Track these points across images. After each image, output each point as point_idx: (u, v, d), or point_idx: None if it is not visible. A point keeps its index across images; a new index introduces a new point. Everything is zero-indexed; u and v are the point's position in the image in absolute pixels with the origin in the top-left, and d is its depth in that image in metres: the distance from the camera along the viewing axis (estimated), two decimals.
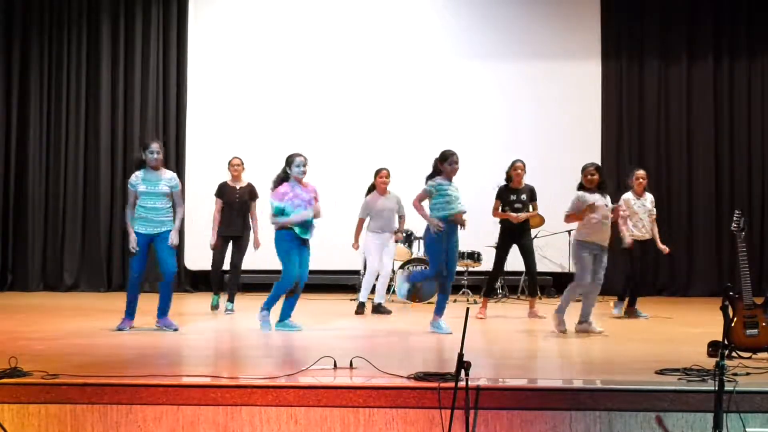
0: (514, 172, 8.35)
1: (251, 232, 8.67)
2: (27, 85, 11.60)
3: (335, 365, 4.99)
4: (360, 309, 8.55)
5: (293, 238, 7.02)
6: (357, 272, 10.16)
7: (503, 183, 8.42)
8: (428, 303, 9.53)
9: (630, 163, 10.67)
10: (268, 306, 7.13)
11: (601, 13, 11.42)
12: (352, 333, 7.12)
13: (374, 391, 4.45)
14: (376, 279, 8.64)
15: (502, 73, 11.45)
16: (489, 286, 8.59)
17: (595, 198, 7.09)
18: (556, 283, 10.77)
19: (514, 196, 8.34)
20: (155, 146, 6.97)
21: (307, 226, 7.05)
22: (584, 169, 7.23)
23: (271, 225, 7.10)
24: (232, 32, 11.59)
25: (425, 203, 7.16)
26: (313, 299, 9.71)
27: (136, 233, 6.95)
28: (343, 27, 11.53)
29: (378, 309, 8.53)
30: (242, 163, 8.75)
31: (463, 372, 4.09)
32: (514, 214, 8.17)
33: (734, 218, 5.79)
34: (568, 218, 7.22)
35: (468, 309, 4.51)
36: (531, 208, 8.41)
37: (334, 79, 11.51)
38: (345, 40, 11.53)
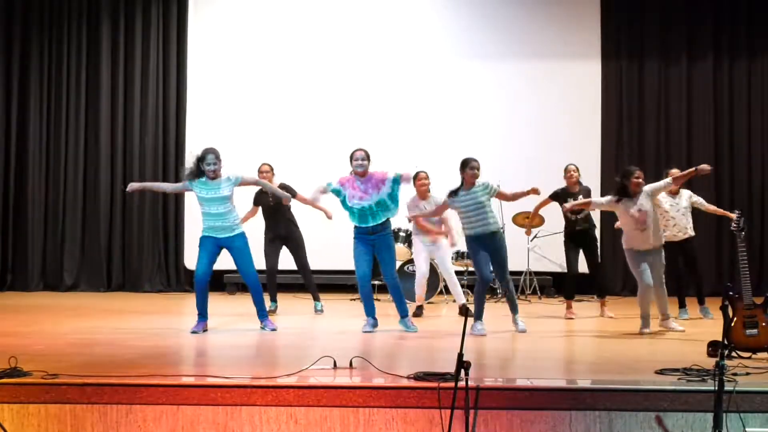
0: (567, 175, 8.47)
1: (299, 229, 8.68)
2: (27, 85, 11.60)
3: (335, 365, 5.00)
4: (418, 311, 8.48)
5: (356, 234, 7.17)
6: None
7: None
8: (428, 303, 9.54)
9: (630, 163, 10.67)
10: (366, 312, 7.22)
11: (601, 13, 11.41)
12: (352, 333, 7.12)
13: (374, 391, 4.45)
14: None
15: (502, 73, 11.45)
16: (568, 288, 8.64)
17: (627, 205, 7.02)
18: (556, 283, 10.77)
19: (571, 198, 8.31)
20: (212, 157, 6.99)
21: (357, 215, 7.09)
22: (631, 174, 7.07)
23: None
24: (232, 32, 11.59)
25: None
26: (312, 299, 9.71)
27: (203, 237, 7.06)
28: (343, 27, 11.53)
29: (465, 311, 8.45)
30: (272, 170, 8.71)
31: (463, 372, 4.09)
32: (568, 205, 7.99)
33: (734, 218, 5.80)
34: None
35: (468, 309, 4.51)
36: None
37: (334, 79, 11.50)
38: (345, 40, 11.52)
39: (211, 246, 7.04)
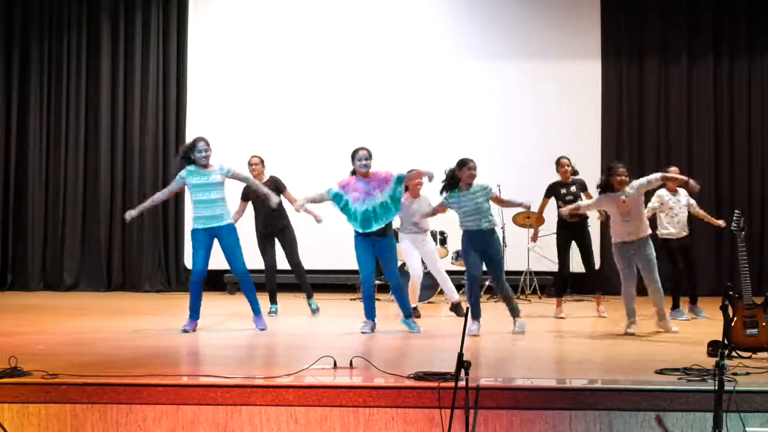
0: (561, 168, 8.49)
1: (290, 224, 8.55)
2: (27, 85, 11.60)
3: (335, 365, 4.99)
4: (414, 312, 8.30)
5: (356, 236, 7.06)
6: (357, 272, 10.15)
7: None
8: (428, 302, 9.55)
9: (630, 163, 10.67)
10: (366, 315, 7.12)
11: (601, 13, 11.41)
12: (352, 333, 7.11)
13: (374, 391, 4.45)
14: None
15: (502, 73, 11.45)
16: (558, 285, 8.71)
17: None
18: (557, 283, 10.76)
19: (564, 189, 8.43)
20: (203, 144, 7.05)
21: (360, 219, 6.96)
22: (614, 171, 7.05)
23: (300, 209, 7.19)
24: (232, 32, 11.59)
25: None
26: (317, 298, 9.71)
27: (194, 230, 7.04)
28: (343, 27, 11.53)
29: (456, 309, 8.44)
30: (261, 162, 8.55)
31: (463, 372, 4.09)
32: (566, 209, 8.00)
33: (734, 218, 5.80)
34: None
35: (468, 309, 4.52)
36: (583, 197, 8.39)
37: (334, 79, 11.50)
38: (345, 40, 11.52)
39: (203, 238, 7.01)
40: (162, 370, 4.99)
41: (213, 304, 8.67)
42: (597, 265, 10.56)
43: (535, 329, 7.27)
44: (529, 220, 9.37)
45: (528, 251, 10.51)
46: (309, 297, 8.56)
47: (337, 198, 7.03)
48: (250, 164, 8.51)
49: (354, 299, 9.59)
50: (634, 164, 10.99)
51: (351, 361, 5.04)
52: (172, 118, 11.64)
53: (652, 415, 4.39)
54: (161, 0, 11.65)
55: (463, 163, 7.12)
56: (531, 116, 11.30)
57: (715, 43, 11.40)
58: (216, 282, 10.95)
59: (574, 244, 8.56)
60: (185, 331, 6.88)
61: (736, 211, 5.91)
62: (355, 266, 9.40)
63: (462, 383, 4.11)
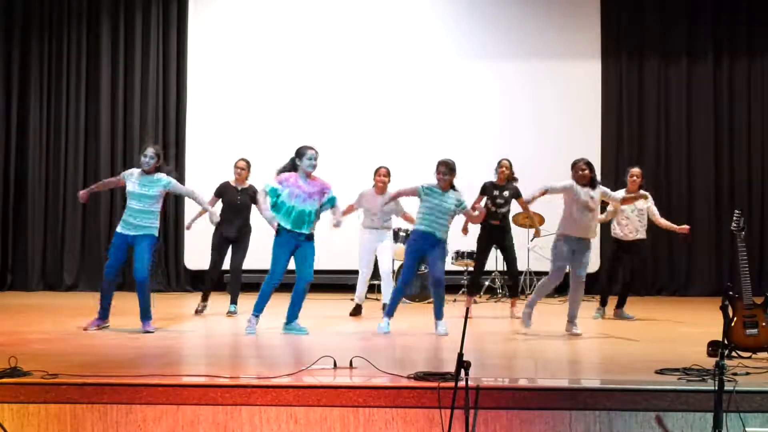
0: (500, 170, 8.50)
1: (250, 234, 8.52)
2: (27, 85, 11.61)
3: (335, 365, 4.99)
4: (356, 311, 8.47)
5: (284, 234, 6.82)
6: (357, 272, 10.17)
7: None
8: (427, 303, 9.55)
9: (630, 163, 10.67)
10: (256, 310, 6.95)
11: (601, 13, 11.42)
12: (352, 333, 7.11)
13: (374, 391, 4.45)
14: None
15: (502, 73, 11.45)
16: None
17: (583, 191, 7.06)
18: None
19: (497, 191, 8.46)
20: (151, 151, 6.98)
21: (295, 217, 6.78)
22: (575, 164, 7.19)
23: (258, 211, 7.06)
24: (232, 32, 11.60)
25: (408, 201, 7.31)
26: (312, 299, 9.69)
27: (116, 233, 7.04)
28: (343, 27, 11.54)
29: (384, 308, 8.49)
30: (248, 167, 8.51)
31: (462, 372, 4.09)
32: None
33: (734, 218, 5.80)
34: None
35: (468, 309, 4.52)
36: (516, 203, 8.51)
37: (334, 79, 11.51)
38: (345, 40, 11.53)
39: (122, 242, 6.98)
40: (162, 370, 4.99)
41: (213, 304, 8.66)
42: (596, 267, 10.59)
43: (535, 329, 7.26)
44: (529, 220, 9.37)
45: (528, 251, 10.51)
46: (232, 302, 8.45)
47: (272, 191, 6.81)
48: (236, 167, 8.47)
49: (354, 299, 9.58)
50: (634, 164, 10.97)
51: (351, 361, 5.04)
52: (172, 118, 11.64)
53: (652, 415, 4.39)
54: (161, 0, 11.65)
55: (440, 164, 7.08)
56: (531, 116, 11.31)
57: (715, 43, 11.41)
58: (216, 282, 10.94)
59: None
60: (85, 329, 6.89)
61: (736, 211, 5.91)
62: (355, 266, 9.46)
63: (462, 383, 4.11)
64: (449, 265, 10.07)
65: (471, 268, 10.37)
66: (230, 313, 8.36)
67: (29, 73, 11.60)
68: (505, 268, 8.93)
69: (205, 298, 8.58)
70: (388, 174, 8.51)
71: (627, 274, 8.59)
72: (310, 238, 6.94)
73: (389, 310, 7.18)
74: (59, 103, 11.62)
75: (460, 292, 10.27)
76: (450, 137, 11.11)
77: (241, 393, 4.47)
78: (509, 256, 8.60)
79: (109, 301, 7.10)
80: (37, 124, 11.59)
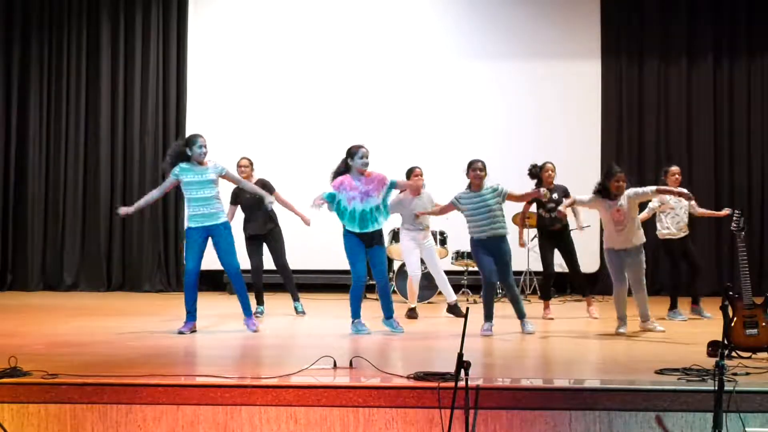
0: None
1: (278, 227, 8.46)
2: (27, 85, 11.61)
3: (335, 365, 5.00)
4: (412, 313, 8.32)
5: (350, 236, 6.93)
6: None
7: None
8: (427, 303, 9.56)
9: (630, 163, 10.70)
10: (353, 314, 7.01)
11: (601, 13, 11.41)
12: (352, 333, 7.11)
13: (374, 391, 4.45)
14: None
15: (502, 73, 11.45)
16: (544, 288, 8.67)
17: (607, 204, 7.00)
18: (557, 283, 10.75)
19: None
20: (202, 140, 6.98)
21: (358, 219, 6.85)
22: (612, 175, 6.99)
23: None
24: (232, 32, 11.60)
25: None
26: (312, 299, 9.72)
27: (189, 229, 6.94)
28: (343, 27, 11.53)
29: (453, 309, 8.41)
30: (251, 164, 8.48)
31: (462, 372, 4.09)
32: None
33: (734, 218, 5.80)
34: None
35: (468, 309, 4.52)
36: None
37: (334, 79, 11.51)
38: (345, 40, 11.53)
39: (198, 237, 6.91)
40: (162, 370, 4.99)
41: (213, 304, 8.67)
42: (596, 267, 10.61)
43: (534, 330, 7.26)
44: (529, 220, 9.37)
45: (528, 251, 10.51)
46: (295, 300, 8.50)
47: (330, 197, 6.91)
48: (239, 166, 8.43)
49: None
50: (634, 164, 11.01)
51: (351, 361, 5.05)
52: (172, 118, 11.64)
53: (652, 415, 4.39)
54: (161, 0, 11.65)
55: (469, 165, 7.07)
56: (531, 116, 11.30)
57: (715, 43, 11.40)
58: (216, 282, 10.96)
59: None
60: (181, 332, 6.84)
61: (736, 211, 5.91)
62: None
63: (462, 383, 4.11)
64: (449, 264, 10.12)
65: (471, 269, 10.39)
66: (299, 312, 8.36)
67: (29, 73, 11.60)
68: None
69: (259, 302, 8.45)
70: (422, 174, 8.25)
71: (694, 273, 8.38)
72: (374, 239, 6.95)
73: (487, 314, 7.04)
74: (59, 103, 11.62)
75: (461, 292, 10.25)
76: (450, 137, 11.11)
77: (241, 393, 4.47)
78: (569, 258, 8.46)
79: (195, 301, 7.00)
80: (37, 124, 11.59)
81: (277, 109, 11.48)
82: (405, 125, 11.34)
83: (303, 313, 8.41)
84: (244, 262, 8.32)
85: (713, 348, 5.56)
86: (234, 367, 5.30)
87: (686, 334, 7.04)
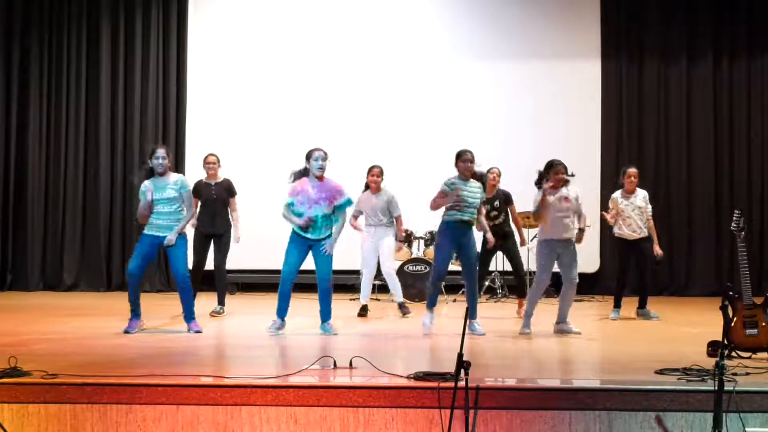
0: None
1: (232, 229, 8.48)
2: (27, 85, 11.61)
3: (335, 365, 5.00)
4: (363, 311, 8.47)
5: (294, 237, 6.90)
6: (357, 272, 10.17)
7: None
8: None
9: (630, 163, 10.67)
10: (278, 314, 6.95)
11: (601, 13, 11.43)
12: (352, 333, 7.11)
13: (374, 391, 4.45)
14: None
15: (502, 73, 11.45)
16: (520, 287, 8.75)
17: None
18: (556, 284, 10.75)
19: (487, 204, 8.32)
20: (161, 152, 6.91)
21: (308, 224, 6.81)
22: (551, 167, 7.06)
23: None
24: (232, 32, 11.60)
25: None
26: (312, 299, 9.69)
27: (143, 234, 6.91)
28: (342, 27, 11.54)
29: (401, 307, 8.49)
30: (218, 161, 8.50)
31: (462, 372, 4.09)
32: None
33: (734, 218, 5.79)
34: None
35: (467, 309, 4.52)
36: (509, 212, 8.56)
37: (333, 79, 11.51)
38: (345, 40, 11.53)
39: (148, 244, 6.90)
40: (162, 370, 4.99)
41: (212, 304, 8.66)
42: (596, 267, 10.60)
43: (534, 330, 7.25)
44: (529, 220, 9.37)
45: (528, 251, 10.50)
46: (220, 303, 8.45)
47: (288, 206, 6.84)
48: (206, 162, 8.47)
49: (354, 299, 9.58)
50: (634, 164, 10.97)
51: (351, 361, 5.04)
52: (172, 117, 11.64)
53: (652, 415, 4.39)
54: (161, 0, 11.65)
55: (458, 155, 7.07)
56: (531, 116, 11.31)
57: (715, 43, 11.41)
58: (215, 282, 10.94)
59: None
60: (126, 332, 6.80)
61: (736, 211, 5.91)
62: (354, 266, 9.47)
63: (462, 383, 4.11)
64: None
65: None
66: (215, 313, 8.32)
67: (29, 73, 11.60)
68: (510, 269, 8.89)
69: (221, 301, 8.49)
70: (381, 174, 8.44)
71: (640, 275, 8.46)
72: (318, 241, 6.87)
73: (430, 303, 7.16)
74: (59, 103, 11.63)
75: (460, 292, 10.26)
76: (449, 137, 11.09)
77: (241, 393, 4.47)
78: (513, 260, 8.61)
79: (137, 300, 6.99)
80: (37, 124, 11.59)
81: (277, 108, 11.48)
82: (405, 125, 11.35)
83: (220, 313, 8.35)
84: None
85: (713, 348, 5.56)
86: (234, 367, 5.29)
87: (686, 334, 7.04)
